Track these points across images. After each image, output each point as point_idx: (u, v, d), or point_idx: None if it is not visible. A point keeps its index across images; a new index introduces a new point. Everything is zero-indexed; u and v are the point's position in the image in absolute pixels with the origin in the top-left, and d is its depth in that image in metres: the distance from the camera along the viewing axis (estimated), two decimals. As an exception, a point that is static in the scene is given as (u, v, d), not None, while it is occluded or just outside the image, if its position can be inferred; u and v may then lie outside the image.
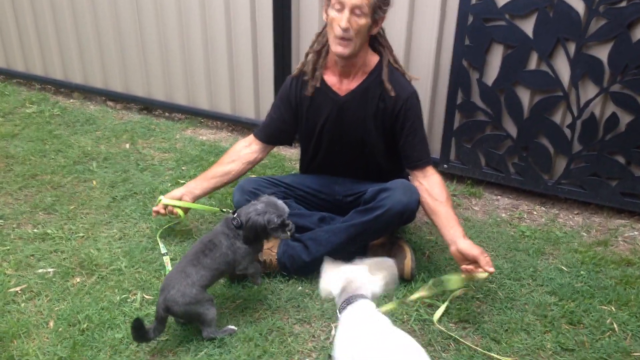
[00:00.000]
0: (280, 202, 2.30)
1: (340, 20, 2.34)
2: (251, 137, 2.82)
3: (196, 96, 4.21)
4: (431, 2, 3.19)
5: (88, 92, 4.67)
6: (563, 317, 2.41)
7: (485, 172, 3.37)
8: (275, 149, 3.86)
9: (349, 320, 1.83)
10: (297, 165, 3.03)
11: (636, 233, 3.04)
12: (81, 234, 2.90)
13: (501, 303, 2.49)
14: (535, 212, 3.23)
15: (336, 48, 2.42)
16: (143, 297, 2.47)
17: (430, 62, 3.31)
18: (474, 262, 2.28)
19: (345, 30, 2.35)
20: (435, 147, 3.46)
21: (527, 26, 2.95)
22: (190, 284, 2.16)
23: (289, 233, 2.30)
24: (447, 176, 3.48)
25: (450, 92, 3.26)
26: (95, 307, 2.40)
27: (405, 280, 2.59)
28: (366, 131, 2.60)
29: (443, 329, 2.31)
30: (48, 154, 3.71)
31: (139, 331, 2.10)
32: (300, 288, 2.56)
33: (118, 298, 2.46)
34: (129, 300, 2.46)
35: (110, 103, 4.61)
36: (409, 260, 2.58)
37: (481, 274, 2.28)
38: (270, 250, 2.63)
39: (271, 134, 2.79)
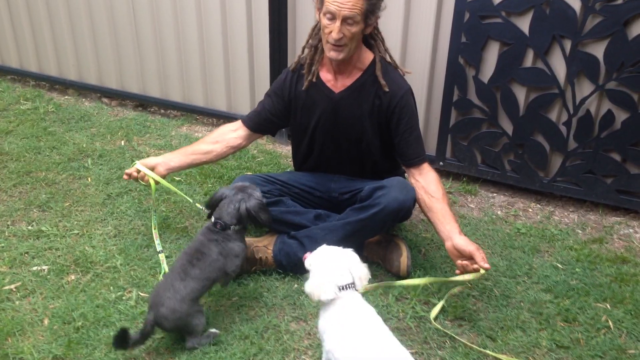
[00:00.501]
0: (251, 185, 2.34)
1: (332, 30, 2.34)
2: (239, 122, 2.81)
3: (192, 93, 4.19)
4: (427, -1, 3.19)
5: (83, 89, 4.65)
6: (558, 314, 2.42)
7: (481, 170, 3.37)
8: (271, 146, 3.86)
9: (338, 310, 1.88)
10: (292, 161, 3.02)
11: (631, 230, 3.04)
12: (76, 231, 2.89)
13: (497, 300, 2.49)
14: (530, 210, 3.24)
15: (330, 53, 2.42)
16: (138, 294, 2.47)
17: (426, 59, 3.30)
18: (470, 258, 2.28)
19: (339, 40, 2.35)
20: (431, 144, 3.45)
21: (523, 23, 2.94)
22: (180, 299, 2.11)
23: (268, 216, 2.32)
24: (443, 173, 3.48)
25: (446, 89, 3.25)
26: (90, 305, 2.39)
27: (401, 278, 2.59)
28: (361, 128, 2.60)
29: (439, 326, 2.32)
30: (43, 150, 3.69)
31: (121, 340, 2.03)
32: (296, 286, 2.55)
33: (113, 296, 2.45)
34: (124, 298, 2.45)
35: (105, 100, 4.58)
36: (405, 258, 2.58)
37: (475, 274, 2.27)
38: (266, 247, 2.62)
39: (260, 122, 2.77)
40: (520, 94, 3.10)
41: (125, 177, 2.72)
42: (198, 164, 2.84)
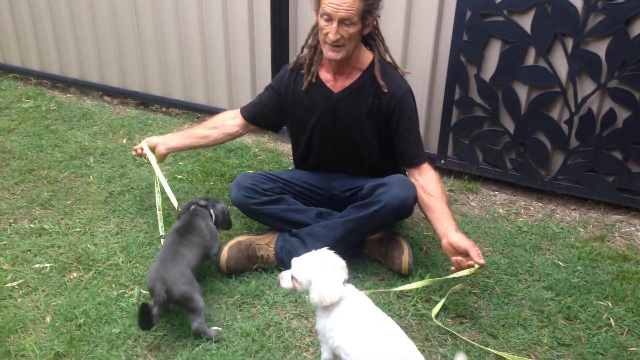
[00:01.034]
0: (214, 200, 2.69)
1: (329, 31, 2.35)
2: (238, 110, 2.85)
3: (193, 91, 4.20)
4: (429, -3, 3.18)
5: (85, 87, 4.65)
6: (560, 312, 2.42)
7: (482, 168, 3.37)
8: (273, 145, 3.86)
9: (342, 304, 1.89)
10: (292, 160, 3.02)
11: (633, 229, 3.04)
12: (78, 229, 2.89)
13: (498, 298, 2.50)
14: (532, 208, 3.24)
15: (328, 54, 2.43)
16: (140, 292, 2.47)
17: (428, 57, 3.30)
18: (465, 254, 2.27)
19: (336, 41, 2.36)
20: (432, 142, 3.45)
21: (525, 22, 2.94)
22: (185, 264, 2.24)
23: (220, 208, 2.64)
24: (445, 172, 3.49)
25: (448, 87, 3.25)
26: (92, 302, 2.40)
27: (402, 276, 2.59)
28: (360, 129, 2.60)
29: (440, 324, 2.32)
30: (45, 149, 3.70)
31: (146, 317, 2.08)
32: (297, 283, 2.55)
33: (115, 293, 2.46)
34: (126, 295, 2.46)
35: (107, 98, 4.59)
36: (406, 256, 2.58)
37: (470, 270, 2.27)
38: (268, 245, 2.63)
39: (255, 114, 2.81)
40: (522, 92, 3.10)
41: (133, 153, 2.92)
42: (195, 147, 2.99)
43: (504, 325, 2.35)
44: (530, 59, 3.02)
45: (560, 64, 2.97)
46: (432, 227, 2.49)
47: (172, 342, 2.22)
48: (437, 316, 2.35)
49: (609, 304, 2.47)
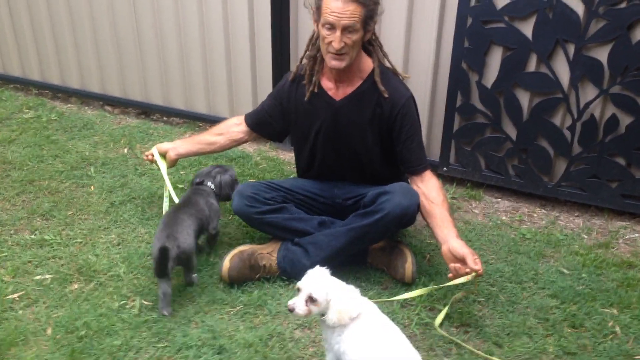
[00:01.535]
0: (224, 165, 2.95)
1: (332, 40, 2.35)
2: (242, 117, 2.90)
3: (194, 100, 4.19)
4: (430, 4, 3.17)
5: (85, 97, 4.65)
6: (565, 320, 2.40)
7: (485, 175, 3.35)
8: (274, 153, 3.86)
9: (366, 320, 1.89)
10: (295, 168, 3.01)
11: (637, 235, 3.02)
12: (79, 240, 2.88)
13: (502, 306, 2.48)
14: (535, 215, 3.22)
15: (331, 63, 2.43)
16: (142, 303, 2.45)
17: (429, 64, 3.30)
18: (463, 261, 2.25)
19: (340, 49, 2.36)
20: (434, 150, 3.44)
21: (527, 28, 2.94)
22: (187, 226, 2.49)
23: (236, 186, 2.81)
24: (447, 179, 3.47)
25: (450, 94, 3.25)
26: (93, 314, 2.38)
27: (406, 284, 2.57)
28: (362, 136, 2.59)
29: (444, 333, 2.30)
30: (45, 159, 3.69)
31: (165, 263, 2.30)
32: (300, 293, 2.53)
33: (117, 304, 2.44)
34: (127, 306, 2.44)
35: (108, 108, 4.58)
36: (409, 264, 2.56)
37: (467, 277, 2.24)
38: (270, 255, 2.61)
39: (258, 121, 2.85)
40: (524, 98, 3.09)
41: (144, 157, 3.01)
42: (203, 153, 3.08)
43: (509, 333, 2.33)
44: (531, 65, 3.01)
45: (562, 70, 2.96)
46: (432, 234, 2.48)
47: (174, 354, 2.20)
48: (441, 325, 2.33)
49: (615, 311, 2.45)
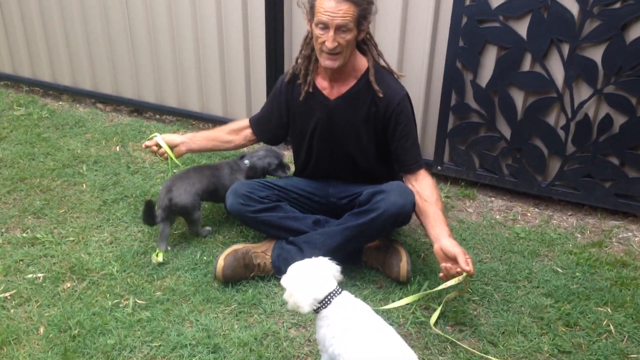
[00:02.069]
0: (275, 148, 2.95)
1: (326, 39, 2.34)
2: (249, 122, 2.90)
3: (187, 98, 4.17)
4: (425, 3, 3.17)
5: (77, 95, 4.61)
6: (559, 319, 2.41)
7: (479, 174, 3.36)
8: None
9: (341, 312, 1.88)
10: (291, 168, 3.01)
11: (630, 234, 3.04)
12: (71, 238, 2.85)
13: (497, 305, 2.48)
14: (529, 214, 3.23)
15: (325, 62, 2.42)
16: (135, 302, 2.44)
17: (424, 63, 3.29)
18: (454, 261, 2.24)
19: (333, 49, 2.35)
20: (429, 149, 3.44)
21: (521, 27, 2.94)
22: (192, 184, 2.74)
23: (288, 172, 2.88)
24: (441, 178, 3.47)
25: (444, 93, 3.24)
26: (86, 313, 2.36)
27: (401, 283, 2.57)
28: (357, 135, 2.58)
29: (440, 332, 2.30)
30: (37, 157, 3.66)
31: (150, 212, 2.60)
32: (295, 292, 2.52)
33: (110, 303, 2.42)
34: (121, 305, 2.42)
35: (100, 105, 4.55)
36: (404, 263, 2.56)
37: (458, 278, 2.23)
38: (264, 253, 2.60)
39: (262, 130, 2.86)
40: (518, 98, 3.09)
41: (143, 146, 2.86)
42: (216, 150, 3.08)
43: (503, 332, 2.33)
44: (526, 65, 3.01)
45: (557, 70, 2.96)
46: (425, 232, 2.47)
47: (168, 353, 2.19)
48: (436, 324, 2.33)
49: (609, 310, 2.46)
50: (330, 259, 1.97)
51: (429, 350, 2.24)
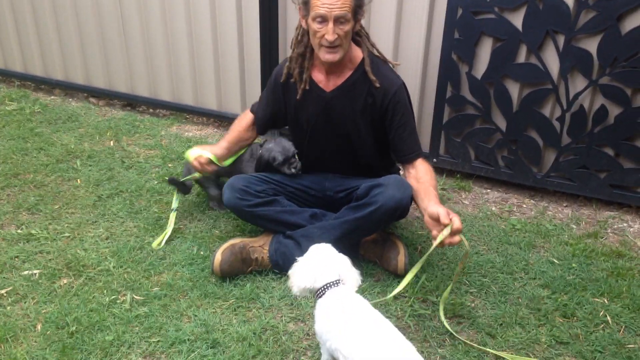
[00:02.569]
0: (287, 143, 2.74)
1: (325, 32, 2.33)
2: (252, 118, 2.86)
3: (181, 92, 4.15)
4: (420, -5, 3.17)
5: (69, 89, 4.58)
6: (556, 310, 2.42)
7: (474, 166, 3.36)
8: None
9: (331, 303, 1.88)
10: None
11: (625, 225, 3.05)
12: (67, 234, 2.83)
13: (495, 297, 2.48)
14: (524, 205, 3.23)
15: (325, 56, 2.40)
16: (133, 297, 2.42)
17: (419, 55, 3.29)
18: (439, 221, 2.15)
19: (334, 41, 2.34)
20: (424, 141, 3.43)
21: (517, 19, 2.94)
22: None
23: (293, 170, 2.72)
24: (437, 170, 3.46)
25: (440, 85, 3.24)
26: (83, 309, 2.34)
27: (399, 276, 2.57)
28: (354, 126, 2.58)
29: (446, 322, 2.28)
30: (30, 152, 3.63)
31: (181, 185, 2.88)
32: (293, 286, 2.52)
33: (107, 299, 2.41)
34: (118, 301, 2.41)
35: (92, 100, 4.52)
36: (402, 256, 2.56)
37: (443, 233, 2.12)
38: (262, 248, 2.59)
39: (264, 125, 2.83)
40: (514, 89, 3.09)
41: (198, 166, 2.73)
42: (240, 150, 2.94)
43: (501, 324, 2.34)
44: (521, 57, 3.01)
45: (552, 61, 2.96)
46: (419, 210, 2.42)
47: (167, 349, 2.18)
48: (435, 316, 2.33)
49: (605, 301, 2.47)
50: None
51: (428, 342, 2.25)
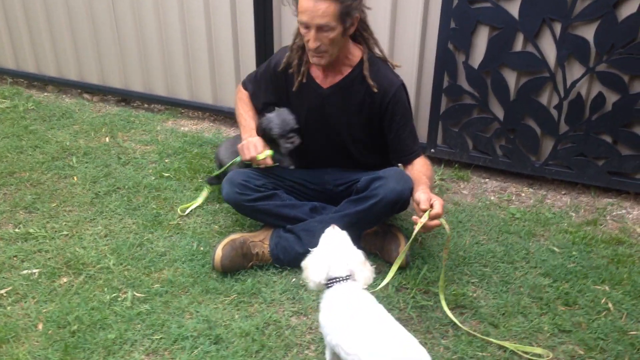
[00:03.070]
0: (289, 117, 2.61)
1: (308, 39, 2.30)
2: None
3: (176, 86, 4.11)
4: (415, -16, 3.14)
5: (63, 85, 4.54)
6: (558, 298, 2.42)
7: (472, 156, 3.36)
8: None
9: (336, 296, 1.89)
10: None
11: (624, 211, 3.06)
12: (65, 232, 2.81)
13: (496, 287, 2.49)
14: (523, 194, 3.24)
15: (312, 59, 2.40)
16: (134, 295, 2.41)
17: (415, 45, 3.27)
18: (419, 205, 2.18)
19: (317, 48, 2.31)
20: (422, 131, 3.42)
21: (513, 7, 2.92)
22: (226, 147, 2.99)
23: (289, 145, 2.62)
24: (435, 160, 3.46)
25: (436, 75, 3.23)
26: (84, 308, 2.33)
27: (400, 268, 2.55)
28: (350, 125, 2.56)
29: (449, 312, 2.28)
30: (25, 150, 3.60)
31: (219, 179, 2.80)
32: (294, 279, 2.52)
33: (108, 297, 2.40)
34: (119, 299, 2.40)
35: (86, 96, 4.48)
36: (402, 248, 2.55)
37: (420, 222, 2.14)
38: (262, 242, 2.58)
39: (262, 110, 2.79)
40: (511, 78, 3.08)
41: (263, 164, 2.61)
42: None
43: (504, 313, 2.34)
44: (518, 45, 3.00)
45: (549, 49, 2.95)
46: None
47: (170, 346, 2.17)
48: (437, 307, 2.34)
49: (607, 288, 2.48)
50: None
51: (431, 334, 2.25)
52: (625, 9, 2.75)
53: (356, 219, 2.47)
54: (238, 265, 2.53)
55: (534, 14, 2.88)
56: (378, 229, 2.65)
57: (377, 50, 2.55)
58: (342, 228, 2.47)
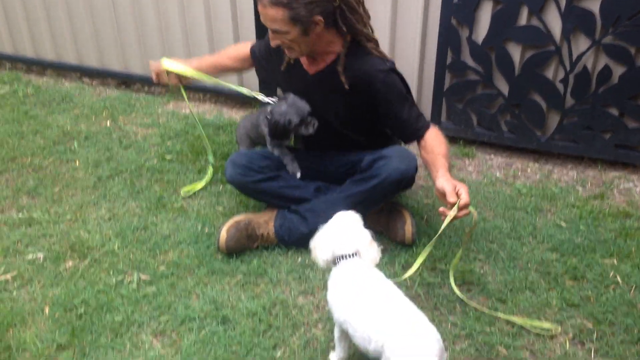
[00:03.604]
0: (300, 102, 2.50)
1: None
2: (248, 49, 2.80)
3: (176, 68, 4.07)
4: (416, -42, 3.09)
5: (62, 69, 4.50)
6: (566, 273, 2.41)
7: (477, 132, 3.33)
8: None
9: (343, 273, 1.88)
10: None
11: (631, 184, 3.03)
12: (69, 217, 2.80)
13: (504, 263, 2.47)
14: (529, 169, 3.21)
15: (286, 51, 2.36)
16: (140, 277, 2.40)
17: (418, 22, 3.22)
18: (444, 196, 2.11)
19: (278, 46, 2.29)
20: (426, 108, 3.39)
21: (517, -20, 2.87)
22: (243, 125, 3.00)
23: (311, 130, 2.52)
24: (439, 138, 3.43)
25: (440, 52, 3.18)
26: (91, 291, 2.32)
27: (406, 245, 2.55)
28: (336, 110, 2.50)
29: (458, 290, 2.27)
30: (26, 135, 3.57)
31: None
32: (300, 259, 2.51)
33: (114, 280, 2.39)
34: (125, 281, 2.39)
35: (85, 79, 4.45)
36: (409, 226, 2.54)
37: (450, 215, 2.07)
38: (267, 223, 2.57)
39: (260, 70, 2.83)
40: (516, 53, 3.04)
41: (155, 78, 2.77)
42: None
43: (511, 289, 2.33)
44: (523, 19, 2.95)
45: (554, 23, 2.91)
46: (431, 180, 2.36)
47: (177, 327, 2.17)
48: (444, 284, 2.33)
49: (615, 261, 2.46)
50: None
51: (439, 310, 2.24)
52: (632, -21, 2.70)
53: (361, 198, 2.44)
54: (243, 246, 2.52)
55: (539, -14, 2.84)
56: (383, 207, 2.63)
57: (363, 39, 2.37)
58: (347, 208, 2.46)
